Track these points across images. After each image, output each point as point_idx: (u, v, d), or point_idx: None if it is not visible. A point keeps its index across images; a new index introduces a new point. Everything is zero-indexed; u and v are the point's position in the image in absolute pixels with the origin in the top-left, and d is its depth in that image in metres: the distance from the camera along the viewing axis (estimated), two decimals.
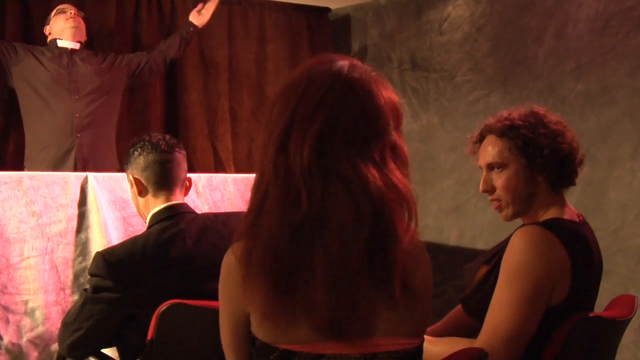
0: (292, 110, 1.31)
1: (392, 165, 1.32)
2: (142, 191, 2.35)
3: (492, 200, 2.06)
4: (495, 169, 2.03)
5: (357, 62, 1.37)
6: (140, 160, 2.35)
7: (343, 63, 1.35)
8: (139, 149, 2.37)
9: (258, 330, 1.34)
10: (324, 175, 1.27)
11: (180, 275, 2.19)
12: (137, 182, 2.35)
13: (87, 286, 2.21)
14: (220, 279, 1.41)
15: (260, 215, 1.32)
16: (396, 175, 1.32)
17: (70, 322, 2.20)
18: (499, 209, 2.05)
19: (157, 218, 2.30)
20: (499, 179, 2.02)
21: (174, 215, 2.30)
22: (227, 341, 1.44)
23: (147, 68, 4.15)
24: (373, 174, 1.29)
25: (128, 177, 2.40)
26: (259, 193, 1.33)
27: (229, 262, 1.39)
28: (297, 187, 1.28)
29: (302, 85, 1.33)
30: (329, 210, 1.27)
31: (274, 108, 1.35)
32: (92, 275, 2.18)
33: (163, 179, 2.35)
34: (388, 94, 1.36)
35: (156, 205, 2.33)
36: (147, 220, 2.35)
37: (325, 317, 1.27)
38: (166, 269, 2.18)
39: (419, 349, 1.40)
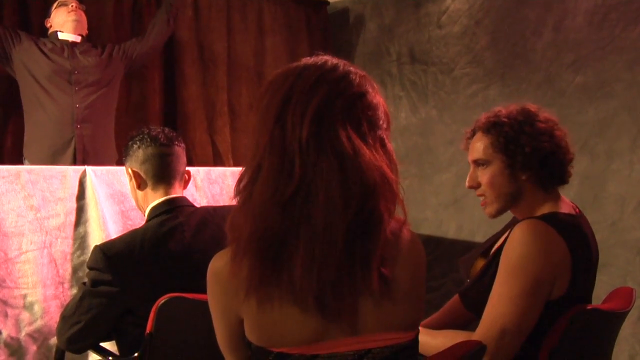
0: (289, 86, 1.32)
1: (382, 155, 1.33)
2: (141, 184, 2.35)
3: (478, 196, 2.08)
4: (481, 166, 2.04)
5: (352, 64, 1.40)
6: (139, 153, 2.35)
7: (340, 61, 1.37)
8: (138, 142, 2.36)
9: (251, 334, 1.34)
10: (319, 147, 1.27)
11: (179, 268, 2.19)
12: (136, 175, 2.35)
13: (86, 280, 2.21)
14: (208, 287, 1.40)
15: (253, 189, 1.31)
16: (385, 163, 1.32)
17: (69, 315, 2.20)
18: (484, 205, 2.06)
19: (156, 211, 2.30)
20: (483, 176, 2.04)
21: (173, 209, 2.30)
22: (224, 345, 1.44)
23: (145, 54, 4.18)
24: (367, 151, 1.29)
25: (127, 170, 2.40)
26: (253, 167, 1.33)
27: (216, 268, 1.38)
28: (292, 158, 1.27)
29: (298, 68, 1.35)
30: (319, 185, 1.26)
31: (268, 90, 1.36)
32: (90, 268, 2.18)
33: (162, 172, 2.35)
34: (380, 97, 1.38)
35: (155, 198, 2.33)
36: (146, 214, 2.35)
37: (305, 292, 1.26)
38: (165, 262, 2.18)
39: (414, 342, 1.40)
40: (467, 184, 2.08)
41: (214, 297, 1.40)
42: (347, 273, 1.27)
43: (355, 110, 1.31)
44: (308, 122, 1.27)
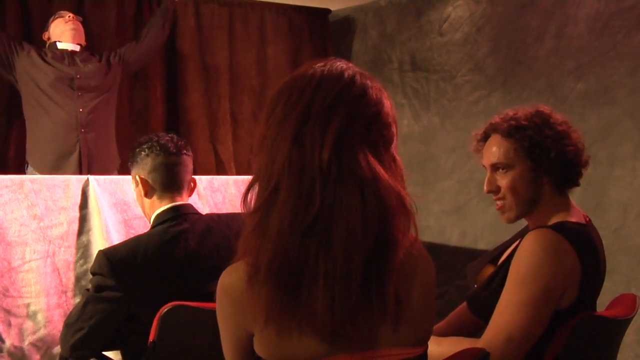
0: (307, 102, 1.26)
1: (395, 173, 1.31)
2: (148, 192, 2.35)
3: (496, 199, 2.04)
4: (500, 170, 2.01)
5: (364, 72, 1.36)
6: (147, 161, 2.35)
7: (354, 69, 1.33)
8: (146, 150, 2.36)
9: (261, 348, 1.32)
10: (340, 172, 1.24)
11: (183, 275, 2.19)
12: (144, 182, 2.35)
13: (89, 286, 2.21)
14: (218, 302, 1.36)
15: (270, 212, 1.26)
16: (401, 183, 1.30)
17: (72, 322, 2.20)
18: (502, 210, 2.03)
19: (162, 218, 2.30)
20: (503, 180, 2.00)
21: (178, 216, 2.30)
22: (230, 358, 1.41)
23: (140, 58, 4.22)
24: (385, 175, 1.27)
25: (134, 176, 2.40)
26: (269, 188, 1.27)
27: (227, 283, 1.33)
28: (311, 182, 1.23)
29: (315, 80, 1.29)
30: (339, 212, 1.23)
31: (280, 100, 1.30)
32: (94, 274, 2.18)
33: (170, 181, 2.35)
34: (393, 108, 1.35)
35: (161, 205, 2.33)
36: (151, 220, 2.34)
37: (326, 325, 1.24)
38: (169, 268, 2.18)
39: (423, 356, 1.39)
40: (485, 188, 2.04)
41: (223, 312, 1.36)
42: (364, 303, 1.25)
43: (373, 132, 1.28)
44: (329, 145, 1.23)
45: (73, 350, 2.22)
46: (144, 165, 2.35)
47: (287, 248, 1.24)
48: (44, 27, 4.06)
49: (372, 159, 1.26)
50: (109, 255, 2.15)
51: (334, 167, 1.23)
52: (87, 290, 2.21)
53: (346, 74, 1.30)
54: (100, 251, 2.20)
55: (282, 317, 1.25)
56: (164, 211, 2.32)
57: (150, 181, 2.34)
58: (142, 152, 2.36)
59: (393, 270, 1.27)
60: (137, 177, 2.37)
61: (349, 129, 1.25)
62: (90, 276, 2.24)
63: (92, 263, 2.62)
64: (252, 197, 1.32)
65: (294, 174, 1.24)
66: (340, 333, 1.25)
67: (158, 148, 2.35)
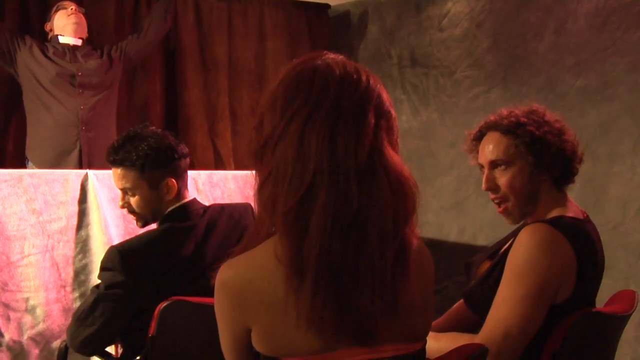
0: (334, 99, 1.25)
1: None
2: (176, 195, 2.32)
3: (495, 198, 2.03)
4: (499, 167, 2.00)
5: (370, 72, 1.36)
6: (175, 165, 2.32)
7: (359, 66, 1.32)
8: (178, 152, 2.33)
9: (261, 344, 1.30)
10: (374, 170, 1.24)
11: (191, 270, 2.21)
12: (173, 185, 2.32)
13: (98, 281, 2.21)
14: (216, 297, 1.33)
15: (309, 213, 1.23)
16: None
17: (82, 318, 2.19)
18: (506, 212, 2.02)
19: (172, 215, 2.31)
20: (502, 177, 2.00)
21: (189, 212, 2.31)
22: (228, 354, 1.40)
23: (142, 51, 4.22)
24: (407, 171, 1.29)
25: (164, 180, 2.31)
26: (303, 186, 1.23)
27: (226, 278, 1.30)
28: (347, 182, 1.23)
29: (335, 77, 1.27)
30: (372, 211, 1.23)
31: (298, 94, 1.27)
32: (105, 269, 2.17)
33: (186, 182, 2.38)
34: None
35: (173, 204, 2.33)
36: (161, 218, 2.33)
37: (362, 323, 1.24)
38: (178, 264, 2.20)
39: (421, 352, 1.39)
40: (484, 185, 2.04)
41: (222, 308, 1.34)
42: (388, 302, 1.27)
43: (392, 129, 1.31)
44: (365, 145, 1.24)
45: (83, 346, 2.23)
46: (173, 169, 2.32)
47: (332, 250, 1.22)
48: (43, 19, 4.05)
49: (396, 157, 1.28)
50: (121, 249, 2.16)
51: (369, 166, 1.24)
52: (97, 287, 2.21)
53: (363, 74, 1.30)
54: (112, 246, 2.20)
55: (323, 318, 1.23)
56: (175, 209, 2.32)
57: (178, 184, 2.32)
58: (168, 153, 2.31)
59: (410, 266, 1.28)
60: (168, 182, 2.31)
61: (378, 127, 1.27)
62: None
63: (90, 258, 2.63)
64: (269, 192, 1.28)
65: (331, 172, 1.23)
66: (344, 329, 1.24)
67: (181, 151, 2.34)
